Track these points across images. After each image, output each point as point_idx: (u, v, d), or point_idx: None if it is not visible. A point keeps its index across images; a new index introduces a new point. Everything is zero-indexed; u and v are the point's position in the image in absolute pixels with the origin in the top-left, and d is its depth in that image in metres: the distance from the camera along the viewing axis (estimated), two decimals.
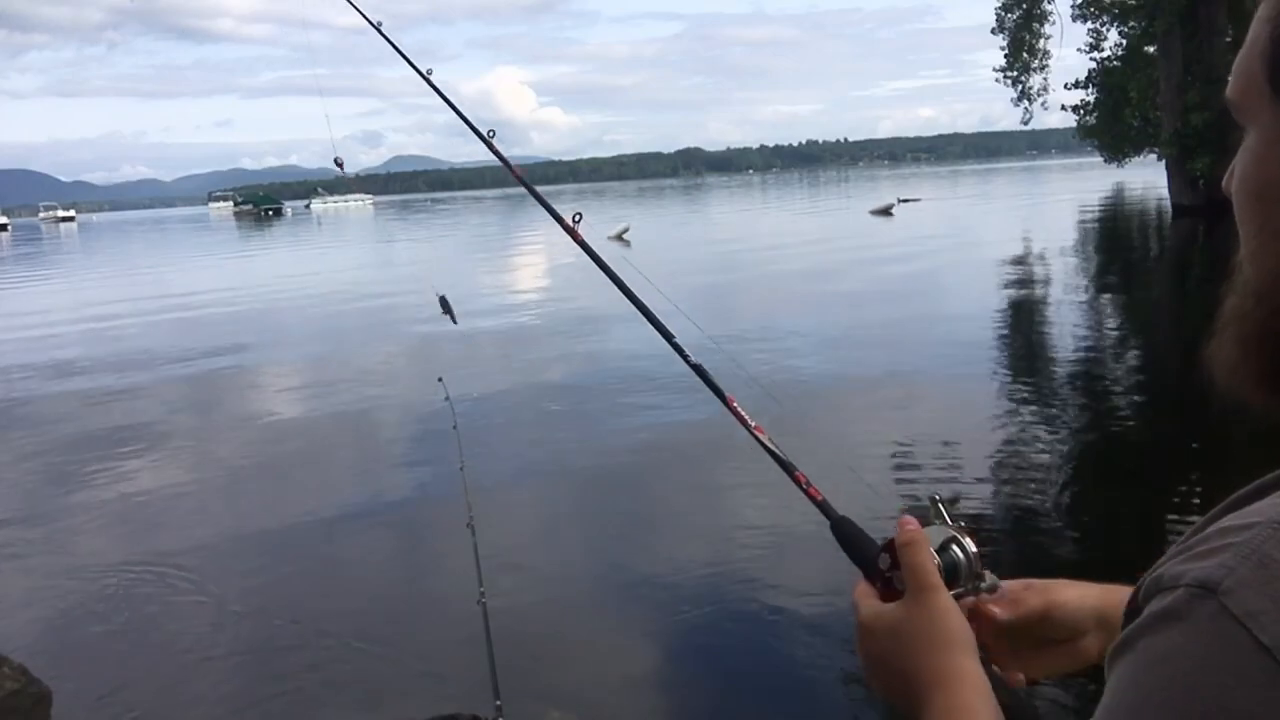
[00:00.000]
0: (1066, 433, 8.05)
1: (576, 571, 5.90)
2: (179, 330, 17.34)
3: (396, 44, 1.95)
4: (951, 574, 0.86)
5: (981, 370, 10.43)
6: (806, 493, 1.05)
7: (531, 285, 23.42)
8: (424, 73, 1.85)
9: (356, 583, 5.89)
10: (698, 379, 1.26)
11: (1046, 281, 18.28)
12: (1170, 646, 0.49)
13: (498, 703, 2.96)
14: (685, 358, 1.31)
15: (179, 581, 6.01)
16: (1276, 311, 0.60)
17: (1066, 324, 13.19)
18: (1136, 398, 9.45)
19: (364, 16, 1.95)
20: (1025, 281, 18.60)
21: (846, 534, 0.97)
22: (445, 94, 1.82)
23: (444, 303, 4.19)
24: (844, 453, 7.93)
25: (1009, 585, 0.90)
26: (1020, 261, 21.76)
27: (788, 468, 1.07)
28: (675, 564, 5.73)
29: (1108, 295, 16.50)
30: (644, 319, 1.34)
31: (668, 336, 1.32)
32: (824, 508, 1.02)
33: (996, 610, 0.89)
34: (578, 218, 1.54)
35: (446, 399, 4.97)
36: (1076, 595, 0.89)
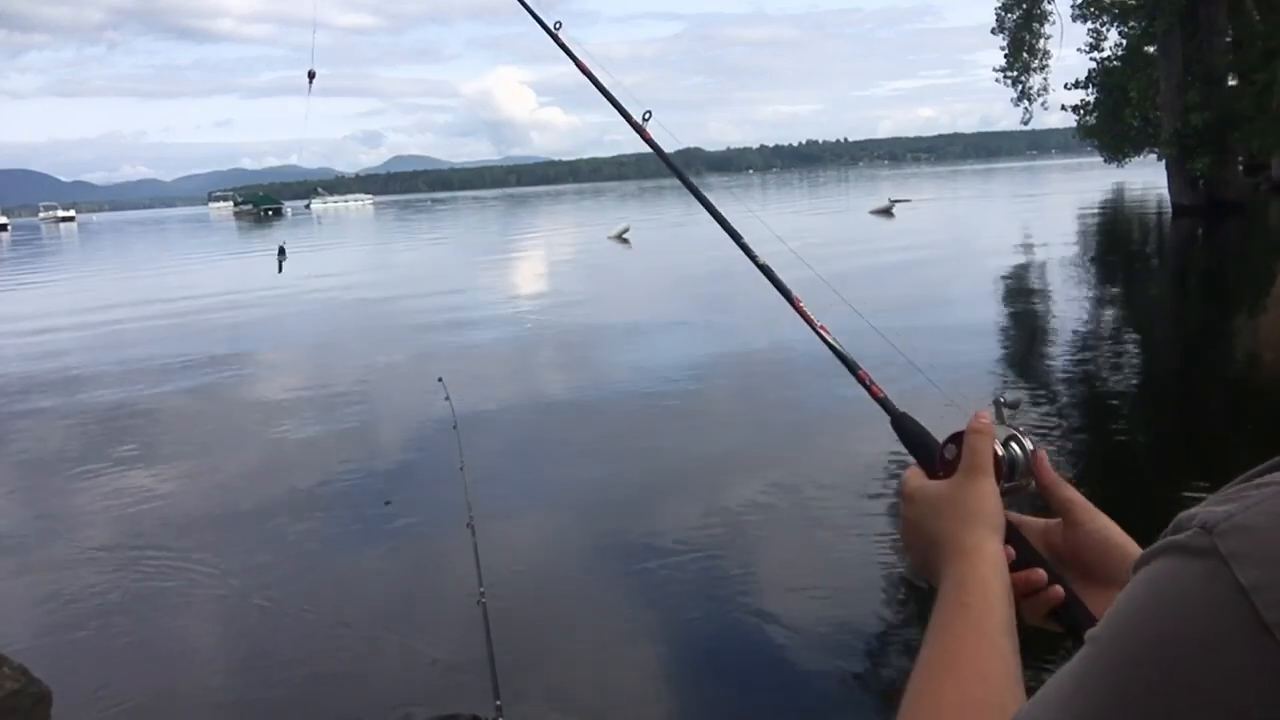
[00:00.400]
0: (1065, 431, 8.05)
1: (577, 571, 5.90)
2: (178, 331, 17.34)
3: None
4: (1011, 468, 0.93)
5: (980, 370, 10.42)
6: (869, 390, 1.10)
7: (538, 286, 23.41)
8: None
9: (356, 583, 5.89)
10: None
11: (1045, 282, 18.28)
12: (1164, 572, 0.55)
13: (498, 703, 2.96)
14: (753, 258, 1.34)
15: (178, 581, 6.01)
16: None
17: (1065, 324, 13.19)
18: (1136, 397, 9.45)
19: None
20: (1024, 282, 18.61)
21: (906, 429, 1.02)
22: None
23: (281, 252, 4.49)
24: (841, 447, 7.93)
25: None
26: (1019, 261, 21.75)
27: (851, 366, 1.12)
28: (677, 564, 5.73)
29: (1107, 295, 16.50)
30: (717, 224, 1.35)
31: (736, 237, 1.35)
32: (885, 404, 1.08)
33: (1066, 485, 0.94)
34: (647, 116, 1.51)
35: (446, 399, 4.98)
36: (1129, 544, 0.91)
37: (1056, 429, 8.11)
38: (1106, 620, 0.58)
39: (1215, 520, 0.54)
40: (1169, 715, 0.52)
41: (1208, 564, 0.53)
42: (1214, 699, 0.51)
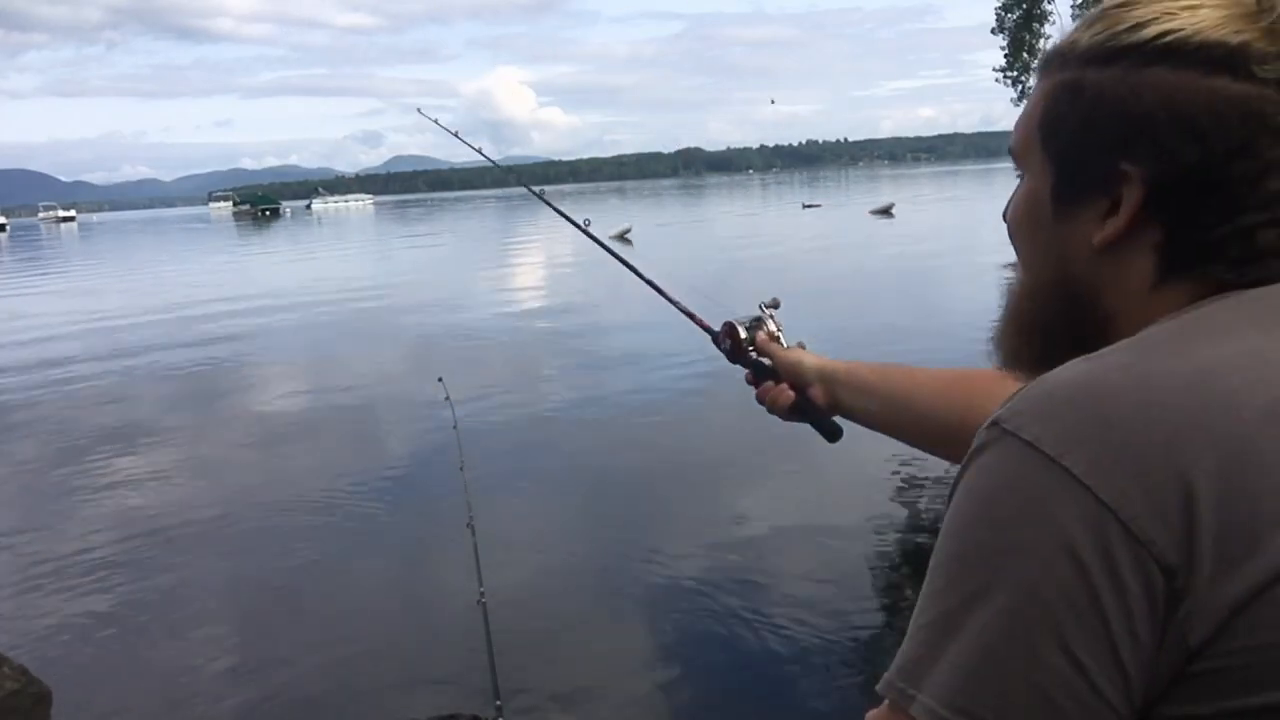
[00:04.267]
0: None
1: (577, 571, 5.90)
2: (177, 332, 17.33)
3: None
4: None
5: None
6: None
7: (541, 286, 23.41)
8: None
9: (356, 583, 5.88)
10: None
11: None
12: (972, 472, 0.63)
13: (498, 703, 2.96)
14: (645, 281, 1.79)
15: (178, 580, 6.01)
16: (1045, 307, 0.79)
17: None
18: None
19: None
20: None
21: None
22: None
23: None
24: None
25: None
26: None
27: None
28: (677, 564, 5.73)
29: None
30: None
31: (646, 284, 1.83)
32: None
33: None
34: (588, 221, 1.99)
35: (446, 399, 4.97)
36: (812, 358, 1.45)
37: None
38: (940, 540, 0.65)
39: (995, 417, 0.63)
40: (1000, 550, 0.59)
41: (999, 442, 0.62)
42: (1027, 524, 0.58)
